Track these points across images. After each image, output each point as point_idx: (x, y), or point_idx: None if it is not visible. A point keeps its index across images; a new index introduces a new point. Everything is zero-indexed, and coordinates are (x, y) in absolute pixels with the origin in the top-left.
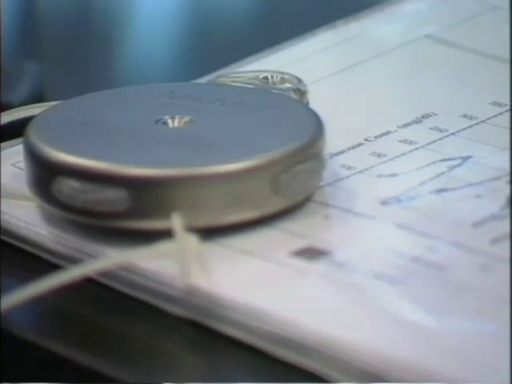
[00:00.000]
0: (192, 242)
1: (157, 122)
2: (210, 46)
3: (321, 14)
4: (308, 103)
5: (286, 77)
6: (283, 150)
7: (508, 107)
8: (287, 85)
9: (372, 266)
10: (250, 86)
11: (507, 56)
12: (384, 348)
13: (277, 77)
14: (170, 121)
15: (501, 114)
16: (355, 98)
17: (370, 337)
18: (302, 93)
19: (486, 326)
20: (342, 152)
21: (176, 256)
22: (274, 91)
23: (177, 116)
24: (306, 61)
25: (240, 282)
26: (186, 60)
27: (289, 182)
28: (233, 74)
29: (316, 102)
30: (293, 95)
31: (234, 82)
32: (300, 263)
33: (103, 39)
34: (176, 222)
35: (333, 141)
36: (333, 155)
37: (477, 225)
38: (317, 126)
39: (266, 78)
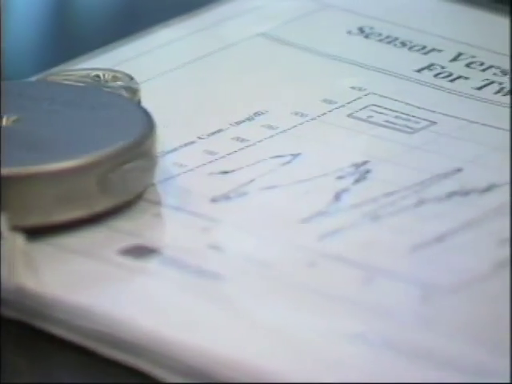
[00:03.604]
0: (19, 241)
1: None
2: (74, 40)
3: (163, 10)
4: (140, 101)
5: (117, 75)
6: (111, 148)
7: (337, 105)
8: (119, 83)
9: (201, 263)
10: (81, 85)
11: (339, 54)
12: (214, 346)
13: (108, 75)
14: None
15: (330, 111)
16: (189, 95)
17: (198, 335)
18: (133, 91)
19: (313, 322)
20: (174, 150)
21: (2, 256)
22: (106, 89)
23: (4, 115)
24: (141, 59)
25: (68, 282)
26: (49, 54)
27: (117, 181)
28: (64, 72)
29: (149, 99)
30: (124, 93)
31: (66, 80)
32: (129, 262)
33: None
34: (2, 221)
35: (165, 139)
36: (165, 153)
37: (305, 221)
38: (147, 124)
39: (97, 76)
